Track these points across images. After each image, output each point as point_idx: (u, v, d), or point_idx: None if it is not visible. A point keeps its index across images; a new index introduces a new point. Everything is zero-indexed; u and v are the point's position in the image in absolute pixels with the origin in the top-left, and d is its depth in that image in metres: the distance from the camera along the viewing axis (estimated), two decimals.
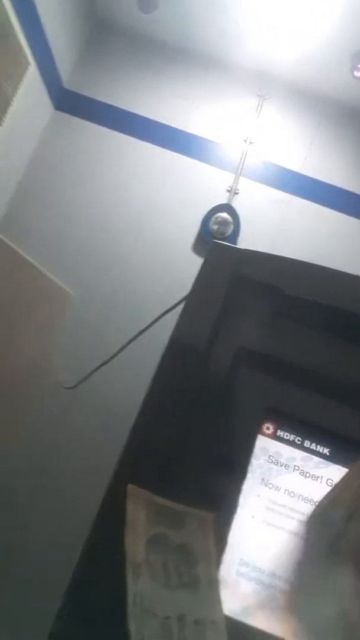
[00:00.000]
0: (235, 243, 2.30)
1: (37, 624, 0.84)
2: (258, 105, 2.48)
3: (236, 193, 2.38)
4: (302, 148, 2.45)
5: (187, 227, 2.33)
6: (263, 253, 0.85)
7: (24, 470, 1.99)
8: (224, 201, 2.36)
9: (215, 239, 2.39)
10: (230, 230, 2.32)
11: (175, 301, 1.12)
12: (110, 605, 0.61)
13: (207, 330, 0.78)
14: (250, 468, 0.77)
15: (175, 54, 2.51)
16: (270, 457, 0.78)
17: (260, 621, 0.71)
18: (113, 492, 0.70)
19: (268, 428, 0.80)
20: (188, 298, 0.82)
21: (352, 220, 2.36)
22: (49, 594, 0.91)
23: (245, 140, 2.44)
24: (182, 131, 2.44)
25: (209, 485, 0.74)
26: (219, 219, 2.32)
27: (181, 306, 0.86)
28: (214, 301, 0.80)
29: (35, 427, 1.98)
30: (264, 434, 0.79)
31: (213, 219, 2.33)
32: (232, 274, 0.81)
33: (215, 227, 2.32)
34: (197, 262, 0.85)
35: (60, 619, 0.64)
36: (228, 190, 2.38)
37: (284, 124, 2.48)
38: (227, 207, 2.35)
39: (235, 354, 0.79)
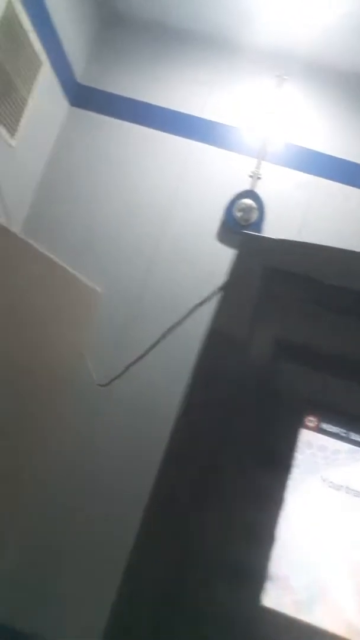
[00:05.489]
0: (260, 229, 2.25)
1: None
2: (277, 86, 2.40)
3: (259, 178, 2.33)
4: (325, 127, 2.37)
5: (211, 215, 2.30)
6: (294, 241, 0.82)
7: (61, 472, 2.00)
8: (246, 187, 2.31)
9: (240, 226, 2.36)
10: (255, 216, 2.28)
11: (204, 291, 1.10)
12: (156, 622, 0.60)
13: (245, 323, 0.76)
14: (295, 462, 0.75)
15: (188, 39, 2.45)
16: (315, 451, 0.76)
17: (312, 616, 0.69)
18: (158, 493, 0.69)
19: (311, 421, 0.78)
20: (223, 291, 0.80)
21: None
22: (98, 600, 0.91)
23: (266, 124, 2.38)
24: (200, 118, 2.39)
25: (254, 481, 0.73)
26: (243, 205, 2.28)
27: (213, 298, 0.84)
28: (250, 293, 0.78)
29: (71, 426, 2.00)
30: (307, 428, 0.77)
31: (237, 205, 2.28)
32: (265, 265, 0.79)
33: (239, 214, 2.27)
34: (223, 250, 0.83)
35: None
36: (250, 176, 2.33)
37: (305, 103, 2.40)
38: (251, 193, 2.30)
39: (274, 347, 0.77)
